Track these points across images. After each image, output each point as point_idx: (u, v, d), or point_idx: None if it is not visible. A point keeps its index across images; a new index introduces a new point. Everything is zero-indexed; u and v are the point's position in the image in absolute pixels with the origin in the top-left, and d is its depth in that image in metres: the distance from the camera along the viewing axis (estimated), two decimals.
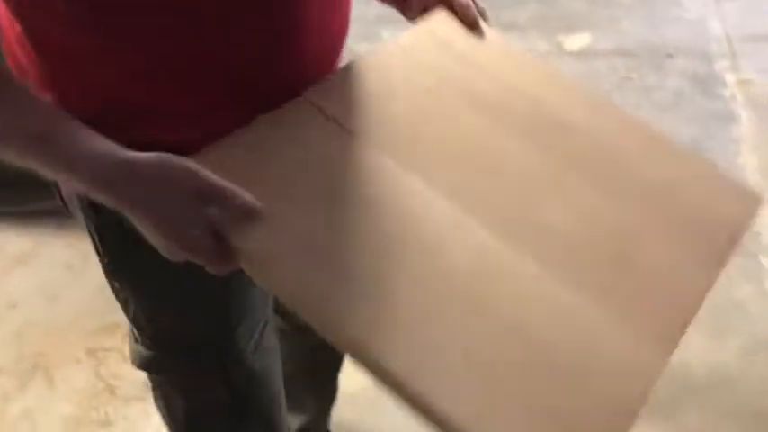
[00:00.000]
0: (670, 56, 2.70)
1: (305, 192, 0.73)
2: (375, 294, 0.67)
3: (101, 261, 0.90)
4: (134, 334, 0.95)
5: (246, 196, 0.68)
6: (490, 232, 0.73)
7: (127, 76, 0.73)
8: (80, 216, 0.87)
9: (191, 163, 0.68)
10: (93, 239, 0.88)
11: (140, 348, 0.95)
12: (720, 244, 0.79)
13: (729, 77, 2.58)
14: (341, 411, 1.49)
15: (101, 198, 0.69)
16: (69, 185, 0.81)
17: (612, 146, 0.86)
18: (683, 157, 0.88)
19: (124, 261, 0.88)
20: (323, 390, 1.43)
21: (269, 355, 1.01)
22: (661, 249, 0.76)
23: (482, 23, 0.96)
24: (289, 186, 0.73)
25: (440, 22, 0.94)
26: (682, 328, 0.70)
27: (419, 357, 0.63)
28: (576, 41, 2.81)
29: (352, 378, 1.40)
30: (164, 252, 0.69)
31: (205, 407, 1.01)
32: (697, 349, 1.69)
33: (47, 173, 0.70)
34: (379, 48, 0.90)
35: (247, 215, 0.68)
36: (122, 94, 0.74)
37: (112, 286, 0.92)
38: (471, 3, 0.96)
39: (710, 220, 0.81)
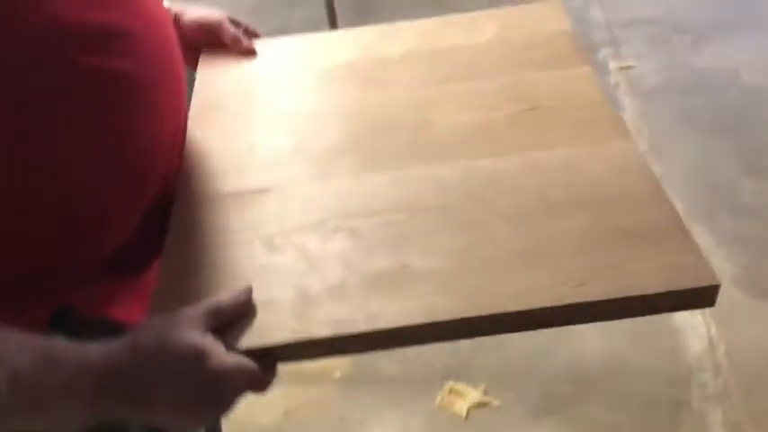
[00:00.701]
0: None
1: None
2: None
3: None
4: None
5: (228, 296, 0.68)
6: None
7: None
8: None
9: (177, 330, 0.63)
10: None
11: None
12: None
13: (612, 65, 2.65)
14: None
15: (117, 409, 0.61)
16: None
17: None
18: None
19: None
20: None
21: None
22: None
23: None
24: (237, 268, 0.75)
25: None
26: None
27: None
28: None
29: None
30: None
31: None
32: (591, 340, 1.74)
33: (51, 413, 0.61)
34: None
35: (247, 312, 0.69)
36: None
37: None
38: (237, 37, 1.04)
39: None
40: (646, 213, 0.75)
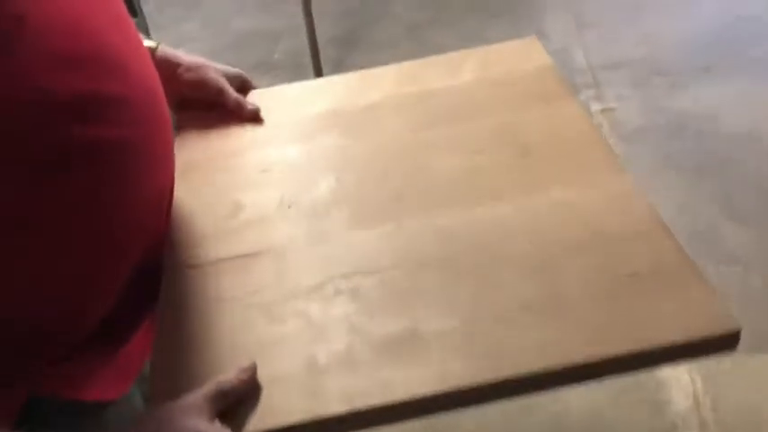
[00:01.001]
0: None
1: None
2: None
3: None
4: None
5: (232, 376, 0.65)
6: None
7: None
8: None
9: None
10: None
11: None
12: None
13: (595, 106, 2.64)
14: None
15: None
16: None
17: None
18: None
19: None
20: None
21: None
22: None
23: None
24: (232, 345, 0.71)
25: None
26: None
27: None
28: None
29: None
30: None
31: None
32: (574, 395, 1.69)
33: None
34: None
35: (254, 392, 0.65)
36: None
37: None
38: (240, 102, 1.00)
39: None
40: (654, 255, 0.73)
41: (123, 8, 0.74)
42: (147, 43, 0.92)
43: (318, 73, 2.66)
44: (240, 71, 1.06)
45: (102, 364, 0.77)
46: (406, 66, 1.10)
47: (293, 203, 0.86)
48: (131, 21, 0.76)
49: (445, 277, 0.74)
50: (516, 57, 1.07)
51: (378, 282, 0.74)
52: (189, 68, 0.99)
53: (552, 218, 0.79)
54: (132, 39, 0.73)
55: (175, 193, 0.86)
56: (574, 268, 0.72)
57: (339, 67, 2.86)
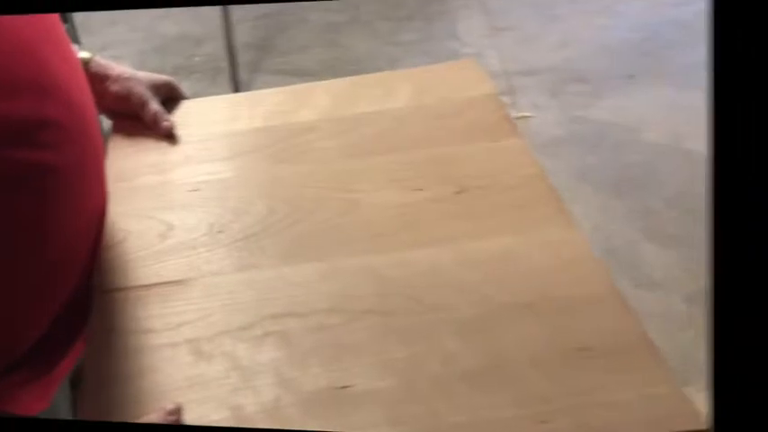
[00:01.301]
0: None
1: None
2: None
3: None
4: None
5: (156, 418, 0.65)
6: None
7: None
8: None
9: None
10: None
11: None
12: None
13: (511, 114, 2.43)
14: None
15: None
16: None
17: None
18: None
19: None
20: None
21: None
22: None
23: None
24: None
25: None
26: None
27: None
28: None
29: None
30: None
31: None
32: None
33: None
34: None
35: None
36: None
37: None
38: (156, 118, 1.01)
39: None
40: (606, 323, 0.70)
41: (60, 25, 0.76)
42: (82, 55, 0.95)
43: (235, 76, 2.73)
44: (169, 79, 1.07)
45: (29, 381, 0.77)
46: (338, 84, 1.07)
47: (223, 229, 0.85)
48: (68, 38, 0.77)
49: (380, 329, 0.72)
50: (456, 81, 1.04)
51: (309, 326, 0.73)
52: (116, 80, 1.01)
53: (494, 272, 0.76)
54: (70, 59, 0.76)
55: (107, 212, 0.87)
56: (519, 333, 0.69)
57: (256, 71, 2.86)
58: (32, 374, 0.76)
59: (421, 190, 0.86)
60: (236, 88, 2.61)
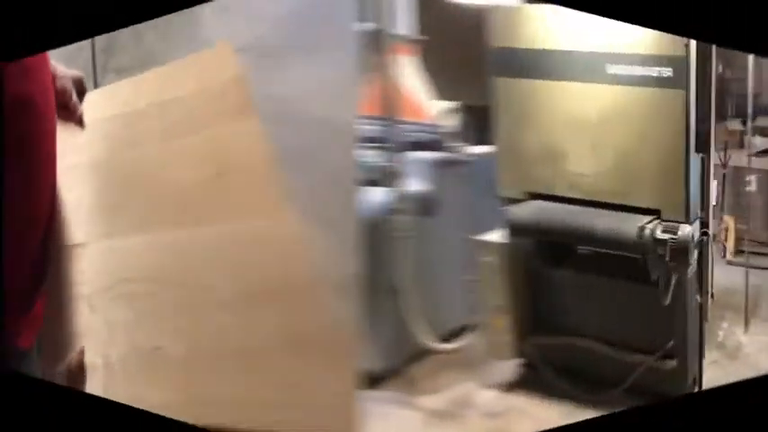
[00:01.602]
0: None
1: None
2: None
3: None
4: None
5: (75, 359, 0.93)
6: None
7: None
8: None
9: None
10: None
11: None
12: None
13: None
14: None
15: None
16: None
17: None
18: None
19: None
20: None
21: None
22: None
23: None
24: None
25: None
26: None
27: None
28: None
29: None
30: None
31: None
32: None
33: None
34: None
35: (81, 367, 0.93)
36: None
37: None
38: (75, 106, 1.33)
39: None
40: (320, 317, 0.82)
41: None
42: None
43: None
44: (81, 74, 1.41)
45: (20, 320, 1.09)
46: (123, 83, 1.33)
47: (93, 203, 1.12)
48: None
49: (177, 302, 0.86)
50: (210, 67, 1.24)
51: (146, 292, 0.92)
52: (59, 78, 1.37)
53: (251, 253, 0.89)
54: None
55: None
56: (262, 319, 0.82)
57: None
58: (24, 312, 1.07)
59: (196, 170, 1.02)
60: None
